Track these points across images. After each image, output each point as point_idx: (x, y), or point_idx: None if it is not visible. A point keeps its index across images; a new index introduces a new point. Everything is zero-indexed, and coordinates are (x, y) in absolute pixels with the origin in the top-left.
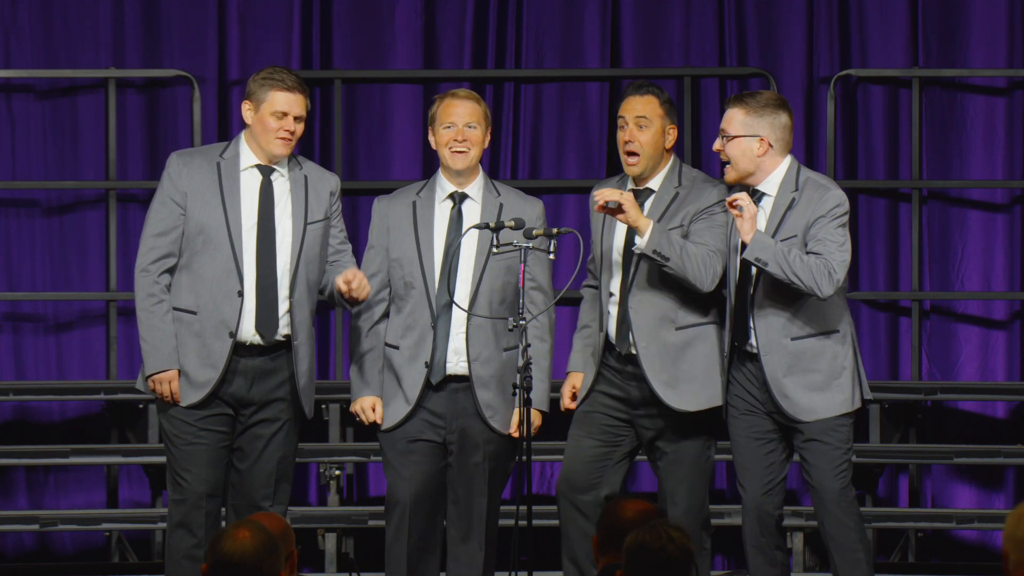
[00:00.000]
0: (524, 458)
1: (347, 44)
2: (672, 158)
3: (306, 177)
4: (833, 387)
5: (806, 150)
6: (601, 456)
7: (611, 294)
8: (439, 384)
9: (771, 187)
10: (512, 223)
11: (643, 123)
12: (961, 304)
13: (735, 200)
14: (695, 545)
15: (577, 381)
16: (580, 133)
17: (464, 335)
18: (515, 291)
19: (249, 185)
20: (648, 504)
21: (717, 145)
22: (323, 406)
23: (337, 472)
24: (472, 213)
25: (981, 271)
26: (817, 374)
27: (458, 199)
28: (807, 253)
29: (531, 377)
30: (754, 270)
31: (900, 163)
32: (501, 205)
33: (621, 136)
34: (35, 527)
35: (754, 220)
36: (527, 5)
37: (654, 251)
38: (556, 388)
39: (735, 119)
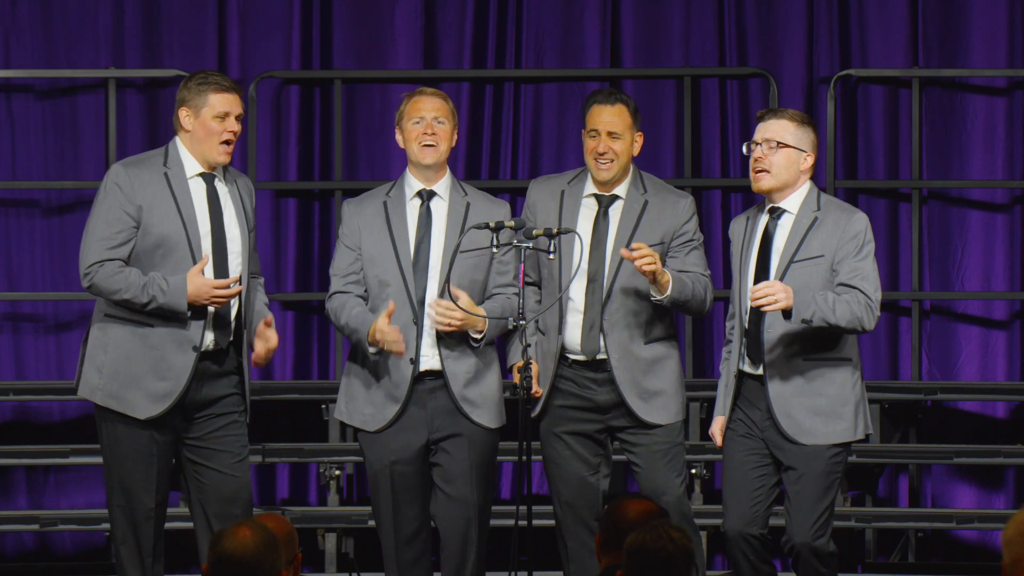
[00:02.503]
0: (524, 458)
1: (347, 44)
2: (633, 165)
3: (237, 183)
4: (836, 415)
5: None
6: (590, 474)
7: (571, 299)
8: (418, 381)
9: (793, 205)
10: (512, 223)
11: (615, 136)
12: (961, 304)
13: (758, 297)
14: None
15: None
16: (580, 133)
17: (435, 329)
18: (482, 290)
19: (198, 193)
20: (650, 504)
21: (757, 152)
22: (323, 406)
23: (337, 472)
24: (439, 211)
25: (981, 271)
26: (823, 399)
27: (426, 196)
28: (839, 285)
29: (531, 377)
30: None
31: (900, 163)
32: (468, 204)
33: (591, 145)
34: (35, 527)
35: (787, 291)
36: (527, 5)
37: (672, 302)
38: None
39: (788, 129)
